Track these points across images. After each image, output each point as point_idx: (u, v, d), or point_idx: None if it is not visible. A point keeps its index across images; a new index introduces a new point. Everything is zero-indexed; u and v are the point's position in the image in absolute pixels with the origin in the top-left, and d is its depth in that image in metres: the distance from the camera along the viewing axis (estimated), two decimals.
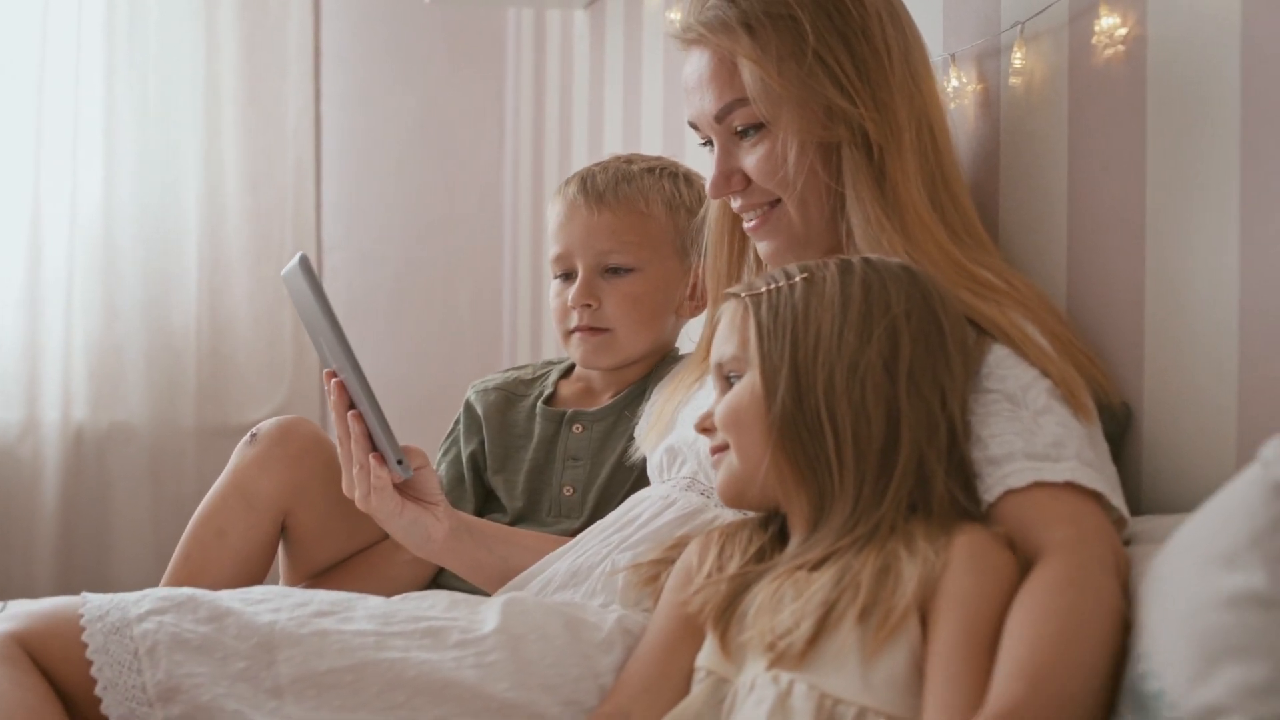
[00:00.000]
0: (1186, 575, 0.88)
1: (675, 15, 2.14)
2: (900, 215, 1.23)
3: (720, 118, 1.28)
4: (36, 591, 2.77)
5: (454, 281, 3.20)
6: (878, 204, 1.24)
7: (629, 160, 1.61)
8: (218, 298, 2.96)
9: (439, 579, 1.57)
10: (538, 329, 2.96)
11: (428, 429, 1.80)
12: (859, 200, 1.25)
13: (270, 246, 3.02)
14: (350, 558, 1.59)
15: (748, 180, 1.29)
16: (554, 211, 1.61)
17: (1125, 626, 0.96)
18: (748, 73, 1.25)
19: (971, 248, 1.27)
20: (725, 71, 1.27)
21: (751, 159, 1.28)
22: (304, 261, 1.21)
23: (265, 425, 1.54)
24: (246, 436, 1.54)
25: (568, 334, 1.60)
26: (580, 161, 2.67)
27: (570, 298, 1.57)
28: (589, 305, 1.56)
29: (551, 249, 1.60)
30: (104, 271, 2.87)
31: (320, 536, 1.55)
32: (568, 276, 1.59)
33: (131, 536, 2.86)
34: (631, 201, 1.56)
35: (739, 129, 1.28)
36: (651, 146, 2.32)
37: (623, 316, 1.56)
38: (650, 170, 1.60)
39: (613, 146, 2.50)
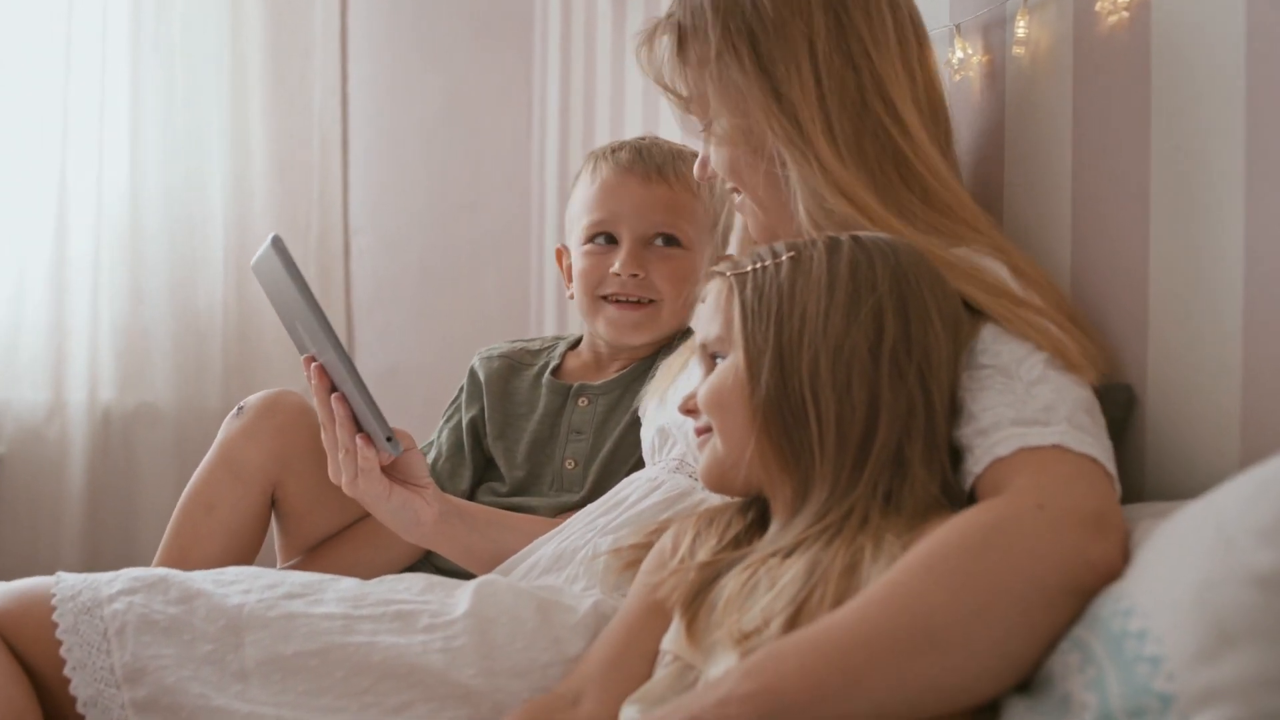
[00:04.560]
0: (1209, 542, 0.82)
1: None
2: (854, 207, 1.19)
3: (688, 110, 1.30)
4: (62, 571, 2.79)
5: (480, 264, 3.18)
6: (812, 198, 1.21)
7: (671, 144, 1.61)
8: (244, 280, 2.96)
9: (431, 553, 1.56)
10: (563, 312, 2.94)
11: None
12: (803, 194, 1.22)
13: (296, 229, 3.02)
14: (346, 530, 1.58)
15: None
16: (597, 178, 1.58)
17: (1093, 580, 0.91)
18: (666, 80, 1.28)
19: (942, 224, 1.22)
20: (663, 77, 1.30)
21: (710, 149, 1.30)
22: (278, 242, 1.19)
23: (251, 398, 1.54)
24: (234, 410, 1.54)
25: (598, 299, 1.57)
26: (605, 141, 2.64)
27: (619, 264, 1.54)
28: (636, 275, 1.54)
29: (590, 214, 1.57)
30: (130, 254, 2.88)
31: (311, 508, 1.53)
32: (609, 240, 1.57)
33: (157, 517, 2.86)
34: (686, 180, 1.56)
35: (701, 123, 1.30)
36: (671, 129, 2.28)
37: (671, 290, 1.55)
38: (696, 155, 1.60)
39: (633, 127, 2.47)
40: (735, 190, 1.31)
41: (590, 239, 1.58)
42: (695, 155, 1.58)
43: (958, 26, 1.40)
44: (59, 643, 1.09)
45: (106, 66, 2.87)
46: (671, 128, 2.29)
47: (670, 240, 1.55)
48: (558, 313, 2.98)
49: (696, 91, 1.26)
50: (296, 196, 3.02)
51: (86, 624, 1.09)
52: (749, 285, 1.08)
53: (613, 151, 1.59)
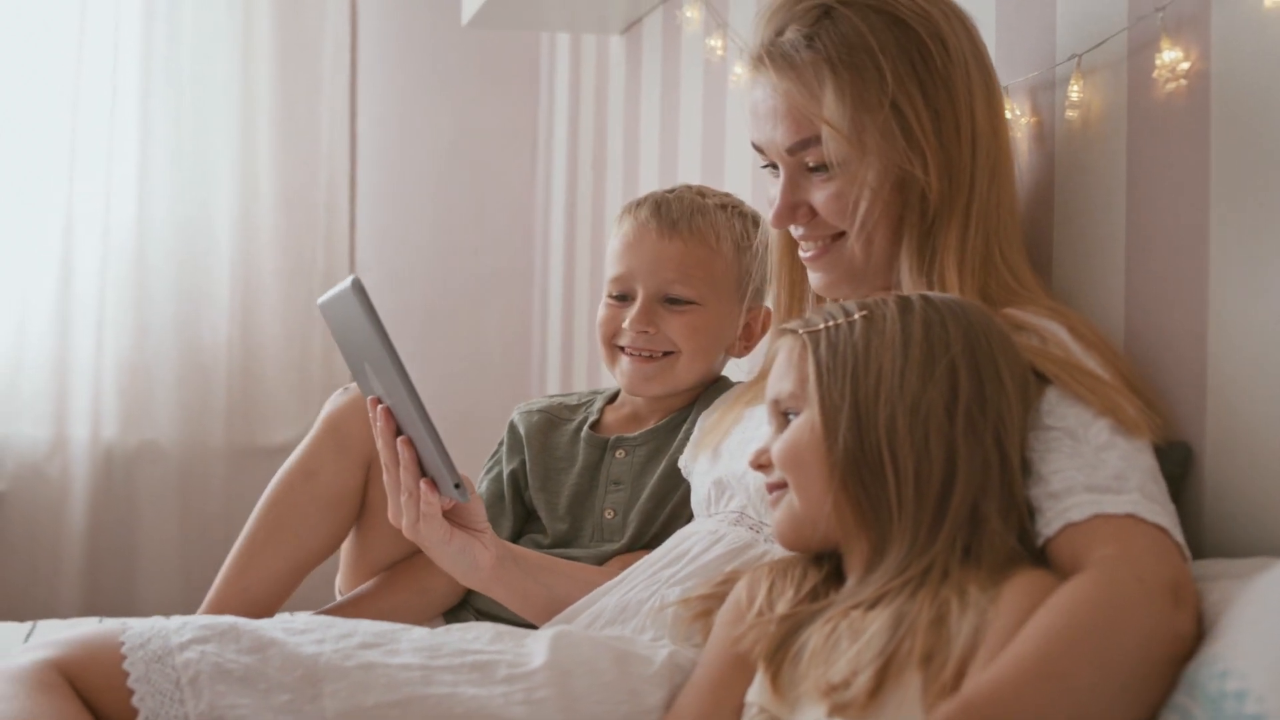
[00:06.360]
0: None
1: (715, 42, 2.14)
2: (941, 283, 1.23)
3: (792, 151, 1.27)
4: (62, 611, 2.76)
5: (484, 305, 3.19)
6: (918, 264, 1.24)
7: (701, 193, 1.60)
8: (249, 317, 2.95)
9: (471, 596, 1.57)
10: (568, 354, 2.94)
11: (455, 452, 1.79)
12: (908, 255, 1.25)
13: (302, 266, 3.02)
14: (386, 575, 1.58)
15: (813, 213, 1.28)
16: (620, 232, 1.59)
17: (1181, 649, 0.94)
18: (826, 116, 1.23)
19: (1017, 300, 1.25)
20: (800, 108, 1.25)
21: (821, 195, 1.27)
22: (357, 284, 1.20)
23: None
24: (339, 390, 1.56)
25: (615, 351, 1.58)
26: (616, 187, 2.66)
27: (629, 320, 1.55)
28: (645, 331, 1.55)
29: (612, 268, 1.58)
30: (135, 289, 2.87)
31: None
32: (623, 298, 1.58)
33: (158, 556, 2.84)
34: (703, 235, 1.55)
35: (810, 164, 1.27)
36: (689, 173, 2.31)
37: (687, 342, 1.55)
38: (722, 207, 1.59)
39: (649, 173, 2.49)
40: (826, 238, 1.29)
41: (611, 295, 1.59)
42: (718, 209, 1.58)
43: (1006, 88, 1.43)
44: (130, 691, 1.07)
45: (115, 102, 2.87)
46: (689, 170, 2.31)
47: (678, 300, 1.54)
48: (561, 354, 2.99)
49: (848, 131, 1.22)
50: (303, 233, 3.02)
51: (158, 673, 1.08)
52: (823, 343, 1.10)
53: (637, 205, 1.60)
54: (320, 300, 1.30)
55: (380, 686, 1.07)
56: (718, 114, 2.20)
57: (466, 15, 2.68)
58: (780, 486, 1.12)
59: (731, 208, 1.58)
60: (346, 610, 1.54)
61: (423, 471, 1.26)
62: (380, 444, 1.27)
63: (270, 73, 2.98)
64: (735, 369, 1.69)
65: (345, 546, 1.60)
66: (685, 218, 1.55)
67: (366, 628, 1.14)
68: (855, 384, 1.07)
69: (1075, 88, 1.34)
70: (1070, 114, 1.35)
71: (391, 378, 1.21)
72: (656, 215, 1.55)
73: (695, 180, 2.26)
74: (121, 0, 2.87)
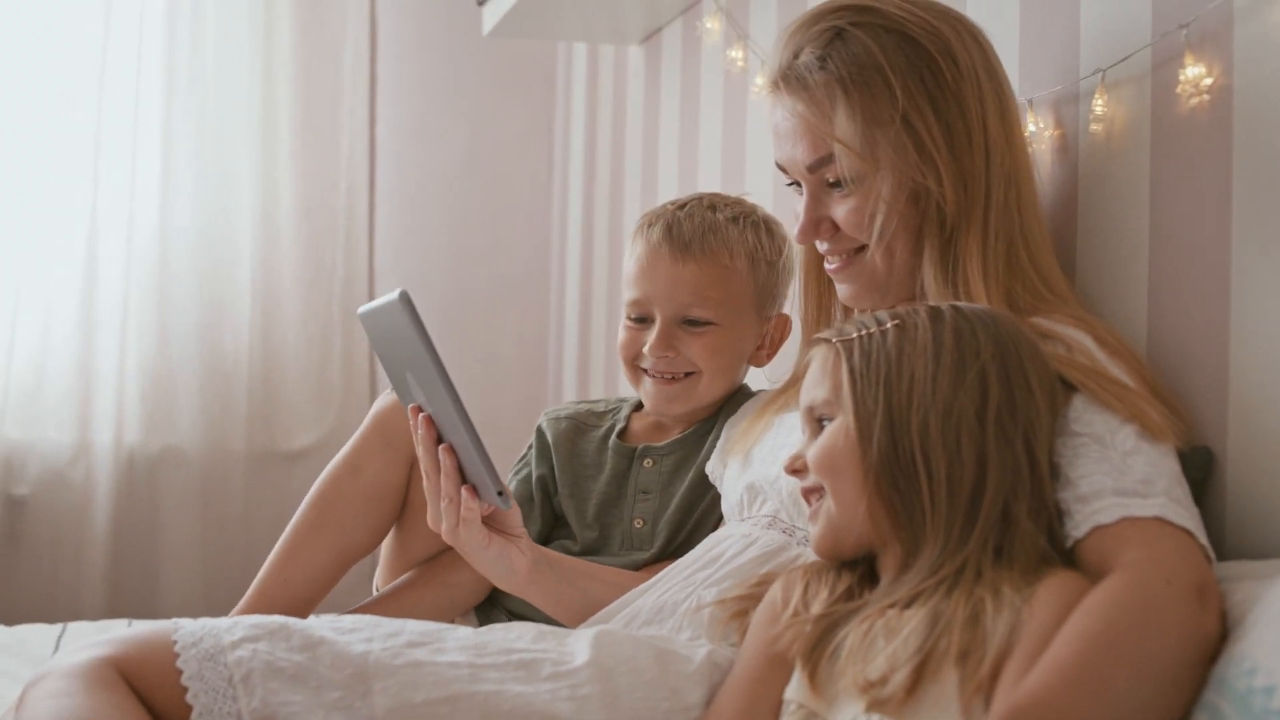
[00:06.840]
0: None
1: (736, 53, 2.17)
2: (967, 290, 1.27)
3: (812, 169, 1.31)
4: (85, 613, 2.78)
5: (501, 311, 3.22)
6: (942, 273, 1.28)
7: (713, 206, 1.59)
8: (269, 323, 2.98)
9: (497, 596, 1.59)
10: (584, 359, 2.98)
11: None
12: (930, 264, 1.29)
13: (322, 273, 3.05)
14: (411, 573, 1.61)
15: (836, 228, 1.32)
16: (635, 254, 1.59)
17: (1207, 649, 0.98)
18: (838, 134, 1.27)
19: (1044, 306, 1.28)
20: (814, 128, 1.29)
21: (841, 210, 1.31)
22: (406, 298, 1.23)
23: None
24: (388, 390, 1.59)
25: (638, 371, 1.60)
26: (634, 194, 2.69)
27: (649, 346, 1.56)
28: (666, 355, 1.56)
29: (629, 292, 1.59)
30: (158, 295, 2.90)
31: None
32: (642, 320, 1.58)
33: (180, 560, 2.87)
34: (716, 255, 1.55)
35: (830, 181, 1.31)
36: (709, 184, 2.33)
37: (708, 361, 1.56)
38: (735, 220, 1.58)
39: (668, 182, 2.52)
40: (849, 251, 1.32)
41: (631, 318, 1.59)
42: (730, 223, 1.59)
43: (1030, 101, 1.47)
44: (183, 689, 1.10)
45: (139, 111, 2.91)
46: (709, 179, 2.34)
47: (696, 322, 1.55)
48: (578, 361, 3.02)
49: (860, 148, 1.26)
50: (323, 239, 3.06)
51: (211, 670, 1.11)
52: (856, 351, 1.14)
53: (649, 227, 1.59)
54: (361, 310, 1.33)
55: (429, 684, 1.10)
56: (738, 125, 2.23)
57: (488, 25, 2.71)
58: (815, 490, 1.15)
59: (743, 218, 1.58)
60: (375, 607, 1.57)
61: (463, 478, 1.29)
62: (421, 451, 1.30)
63: (291, 80, 3.02)
64: (756, 378, 1.71)
65: (385, 543, 1.63)
66: (698, 238, 1.55)
67: (413, 627, 1.17)
68: (888, 390, 1.10)
69: (1099, 102, 1.37)
70: (1094, 127, 1.38)
71: (436, 387, 1.24)
72: (668, 238, 1.55)
73: (716, 188, 2.28)
74: (145, 9, 2.91)
